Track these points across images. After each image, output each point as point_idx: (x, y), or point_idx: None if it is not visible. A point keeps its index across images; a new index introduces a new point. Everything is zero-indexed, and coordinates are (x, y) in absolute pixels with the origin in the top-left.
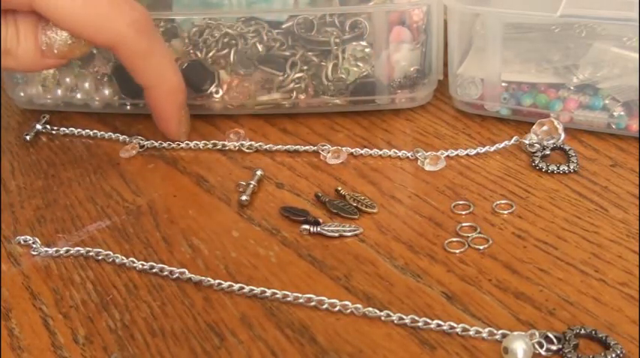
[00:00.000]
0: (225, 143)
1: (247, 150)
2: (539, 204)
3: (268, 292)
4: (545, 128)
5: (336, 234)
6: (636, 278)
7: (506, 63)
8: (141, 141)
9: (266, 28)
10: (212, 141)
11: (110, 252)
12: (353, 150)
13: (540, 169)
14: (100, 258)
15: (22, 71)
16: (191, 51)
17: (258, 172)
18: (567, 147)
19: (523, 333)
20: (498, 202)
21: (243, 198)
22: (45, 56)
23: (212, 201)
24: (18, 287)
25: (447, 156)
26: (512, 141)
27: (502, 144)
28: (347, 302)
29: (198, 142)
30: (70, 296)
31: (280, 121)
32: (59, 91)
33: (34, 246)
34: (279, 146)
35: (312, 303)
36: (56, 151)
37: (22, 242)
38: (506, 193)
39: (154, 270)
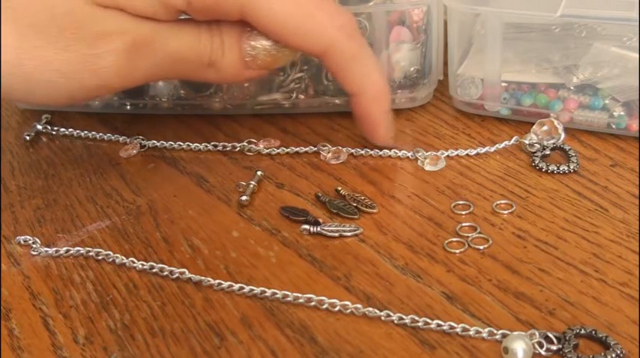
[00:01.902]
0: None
1: (248, 153)
2: (539, 204)
3: (268, 292)
4: (545, 128)
5: (336, 234)
6: (636, 278)
7: (506, 63)
8: (141, 141)
9: None
10: (212, 143)
11: (110, 252)
12: (353, 150)
13: (540, 169)
14: (100, 258)
15: (221, 83)
16: None
17: (258, 172)
18: (567, 147)
19: (523, 333)
20: (498, 202)
21: (243, 198)
22: (247, 67)
23: (212, 201)
24: (18, 287)
25: (447, 156)
26: (512, 141)
27: (502, 144)
28: (347, 302)
29: (199, 144)
30: (70, 296)
31: (280, 121)
32: None
33: (34, 246)
34: (280, 147)
35: (312, 303)
36: (56, 151)
37: (22, 242)
38: (506, 193)
39: (154, 270)
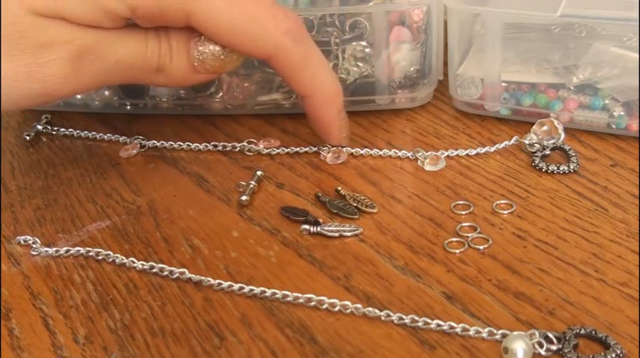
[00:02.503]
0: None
1: (248, 153)
2: (539, 204)
3: (268, 292)
4: (545, 128)
5: (336, 234)
6: (636, 278)
7: (506, 63)
8: (141, 141)
9: None
10: (212, 143)
11: (110, 252)
12: (353, 150)
13: (540, 169)
14: (100, 258)
15: (172, 87)
16: None
17: (258, 172)
18: (567, 147)
19: (523, 333)
20: (498, 202)
21: (243, 198)
22: (196, 72)
23: (212, 201)
24: (18, 287)
25: (447, 156)
26: (512, 141)
27: (502, 144)
28: (347, 302)
29: (199, 144)
30: (70, 296)
31: (280, 121)
32: None
33: (34, 246)
34: (280, 147)
35: (312, 303)
36: (56, 151)
37: (22, 242)
38: (506, 193)
39: (154, 270)
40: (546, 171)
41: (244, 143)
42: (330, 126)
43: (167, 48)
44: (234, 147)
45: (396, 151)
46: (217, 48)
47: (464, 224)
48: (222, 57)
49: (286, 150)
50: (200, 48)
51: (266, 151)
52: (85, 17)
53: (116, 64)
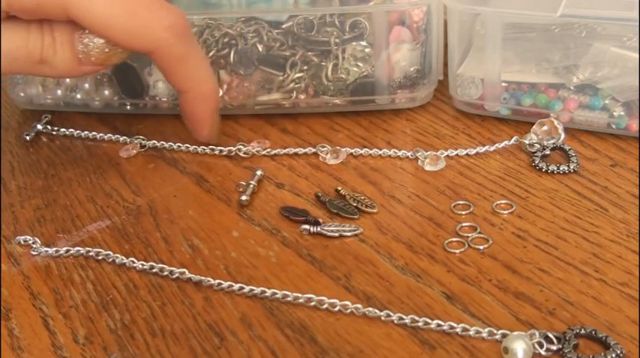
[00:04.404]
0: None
1: (245, 154)
2: (539, 204)
3: (268, 292)
4: (545, 128)
5: (336, 234)
6: (636, 278)
7: (506, 63)
8: (142, 141)
9: (266, 28)
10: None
11: (110, 252)
12: (353, 150)
13: (540, 169)
14: (100, 258)
15: (58, 78)
16: None
17: (258, 172)
18: (567, 147)
19: (523, 333)
20: (498, 202)
21: (243, 198)
22: (82, 64)
23: (212, 201)
24: (18, 287)
25: (447, 156)
26: (512, 141)
27: (502, 144)
28: (347, 302)
29: (197, 147)
30: (70, 296)
31: (280, 121)
32: (59, 91)
33: (34, 246)
34: (279, 147)
35: (312, 303)
36: (56, 151)
37: (22, 242)
38: (506, 193)
39: (154, 270)
40: (546, 171)
41: (239, 145)
42: (203, 123)
43: (50, 40)
44: (230, 151)
45: (396, 151)
46: (102, 41)
47: (464, 224)
48: (107, 50)
49: (285, 150)
50: (85, 41)
51: (263, 153)
52: None
53: None
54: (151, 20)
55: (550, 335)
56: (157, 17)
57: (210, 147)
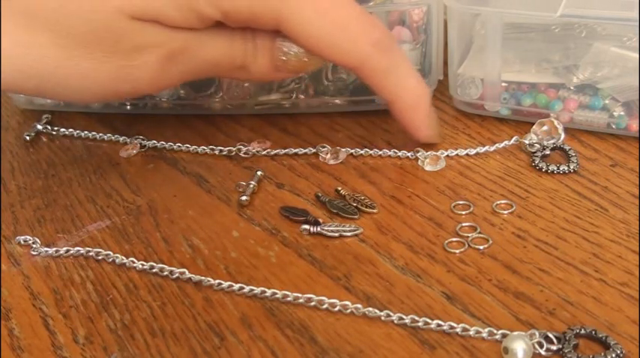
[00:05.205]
0: (232, 148)
1: (245, 154)
2: (539, 204)
3: (268, 292)
4: (545, 128)
5: (336, 234)
6: (636, 278)
7: (506, 63)
8: (142, 141)
9: None
10: (211, 145)
11: (110, 252)
12: (353, 151)
13: (540, 169)
14: (100, 258)
15: (250, 82)
16: None
17: (258, 172)
18: (567, 147)
19: (523, 333)
20: (498, 202)
21: (243, 198)
22: (278, 70)
23: (212, 201)
24: (18, 287)
25: (447, 156)
26: (512, 141)
27: (502, 144)
28: (347, 302)
29: (197, 147)
30: (70, 296)
31: (280, 121)
32: None
33: (34, 246)
34: (279, 147)
35: (312, 303)
36: (56, 151)
37: (22, 242)
38: (506, 193)
39: (154, 270)
40: (546, 171)
41: (239, 146)
42: (418, 128)
43: (252, 47)
44: (230, 151)
45: (396, 151)
46: (301, 50)
47: (464, 224)
48: (305, 59)
49: (285, 151)
50: (284, 49)
51: (263, 153)
52: (179, 20)
53: (203, 63)
54: (357, 36)
55: (550, 335)
56: (365, 32)
57: (210, 147)
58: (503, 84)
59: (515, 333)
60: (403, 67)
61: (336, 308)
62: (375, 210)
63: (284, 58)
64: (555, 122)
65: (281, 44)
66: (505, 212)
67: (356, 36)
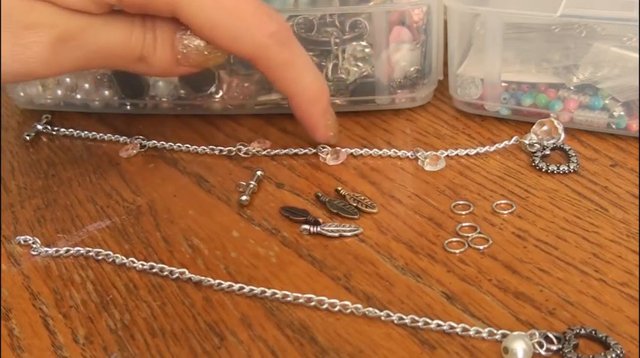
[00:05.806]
0: (232, 148)
1: (245, 154)
2: (539, 204)
3: (268, 292)
4: (545, 128)
5: (336, 234)
6: (636, 278)
7: (506, 63)
8: (142, 141)
9: None
10: (211, 145)
11: (110, 252)
12: (353, 151)
13: (540, 169)
14: (100, 258)
15: (152, 76)
16: None
17: (258, 172)
18: (567, 147)
19: (523, 333)
20: (498, 202)
21: (243, 198)
22: (179, 64)
23: (212, 201)
24: (18, 287)
25: (447, 156)
26: (512, 141)
27: (502, 144)
28: (347, 302)
29: (197, 147)
30: (70, 296)
31: (280, 121)
32: (59, 91)
33: (34, 246)
34: (279, 147)
35: (312, 303)
36: (56, 151)
37: (22, 242)
38: (506, 193)
39: (154, 270)
40: (546, 171)
41: (239, 146)
42: (316, 125)
43: (152, 39)
44: (230, 151)
45: (396, 151)
46: (202, 43)
47: (464, 224)
48: (206, 52)
49: (285, 151)
50: (185, 42)
51: (263, 153)
52: (72, 2)
53: (98, 51)
54: (254, 27)
55: (550, 335)
56: (261, 24)
57: (210, 146)
58: (503, 84)
59: (515, 333)
60: (302, 62)
61: (336, 308)
62: (375, 210)
63: (184, 51)
64: (555, 122)
65: (181, 36)
66: (505, 212)
67: (252, 26)
